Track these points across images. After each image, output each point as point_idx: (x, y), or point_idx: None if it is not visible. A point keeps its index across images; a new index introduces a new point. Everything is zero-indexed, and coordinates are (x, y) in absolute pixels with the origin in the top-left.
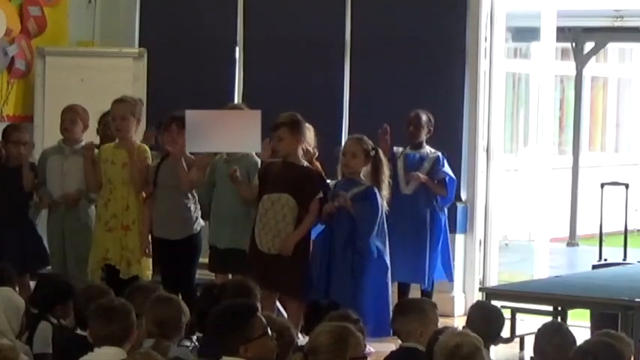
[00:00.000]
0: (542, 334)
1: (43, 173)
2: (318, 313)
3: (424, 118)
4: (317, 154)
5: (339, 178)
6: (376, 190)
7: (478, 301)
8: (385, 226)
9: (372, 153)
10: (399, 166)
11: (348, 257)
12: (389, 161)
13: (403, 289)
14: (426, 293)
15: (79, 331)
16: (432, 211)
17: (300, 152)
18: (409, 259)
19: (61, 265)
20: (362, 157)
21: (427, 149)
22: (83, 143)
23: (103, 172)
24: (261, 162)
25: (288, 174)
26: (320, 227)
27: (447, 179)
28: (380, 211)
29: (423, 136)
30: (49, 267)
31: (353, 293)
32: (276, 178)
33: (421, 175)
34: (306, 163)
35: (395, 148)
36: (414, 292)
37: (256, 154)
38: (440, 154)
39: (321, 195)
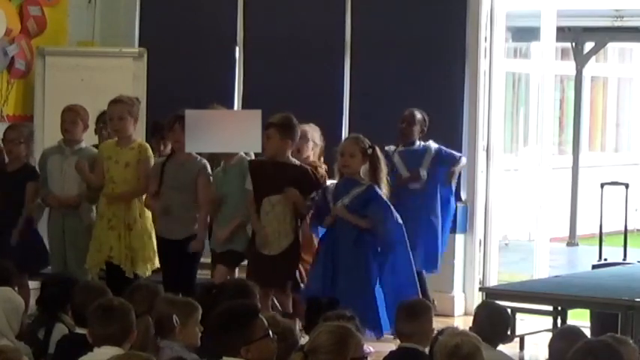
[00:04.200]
0: (557, 339)
1: (44, 173)
2: (318, 311)
3: (418, 116)
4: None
5: (337, 178)
6: (377, 187)
7: (484, 301)
8: (399, 219)
9: (370, 151)
10: (399, 163)
11: (360, 254)
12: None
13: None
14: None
15: (77, 330)
16: (436, 202)
17: (310, 152)
18: (423, 250)
19: (61, 265)
20: (360, 157)
21: (419, 144)
22: (84, 144)
23: (106, 170)
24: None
25: (283, 175)
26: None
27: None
28: (388, 204)
29: (416, 135)
30: (49, 267)
31: (360, 290)
32: (272, 180)
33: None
34: (297, 162)
35: (387, 147)
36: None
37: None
38: (436, 144)
39: (314, 194)
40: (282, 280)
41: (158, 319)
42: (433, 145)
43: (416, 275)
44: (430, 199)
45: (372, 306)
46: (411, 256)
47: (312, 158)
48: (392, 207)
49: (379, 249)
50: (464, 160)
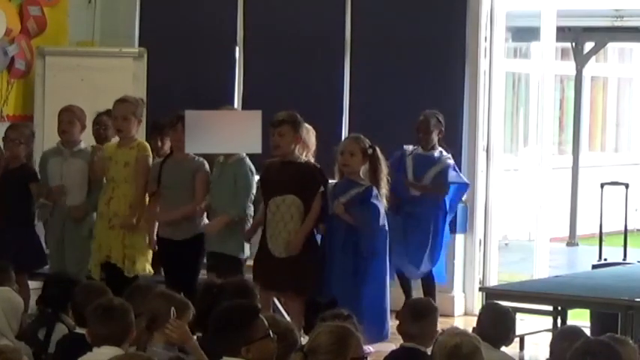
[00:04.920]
0: (559, 339)
1: (45, 175)
2: (317, 312)
3: (432, 121)
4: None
5: (337, 177)
6: (375, 191)
7: (488, 302)
8: (386, 226)
9: (370, 151)
10: (409, 166)
11: (347, 257)
12: (389, 161)
13: (406, 288)
14: (430, 289)
15: (77, 330)
16: (439, 209)
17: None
18: (426, 257)
19: (60, 264)
20: (360, 156)
21: (438, 151)
22: (82, 144)
23: (106, 170)
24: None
25: (288, 173)
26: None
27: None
28: (379, 211)
29: (435, 140)
30: (47, 267)
31: (353, 293)
32: (277, 180)
33: (419, 186)
34: (304, 159)
35: (405, 146)
36: (416, 291)
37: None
38: (451, 163)
39: (322, 189)
40: (297, 284)
41: (152, 314)
42: (449, 161)
43: (388, 287)
44: (430, 207)
45: (366, 308)
46: (388, 267)
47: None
48: (382, 212)
49: (362, 252)
50: (440, 192)
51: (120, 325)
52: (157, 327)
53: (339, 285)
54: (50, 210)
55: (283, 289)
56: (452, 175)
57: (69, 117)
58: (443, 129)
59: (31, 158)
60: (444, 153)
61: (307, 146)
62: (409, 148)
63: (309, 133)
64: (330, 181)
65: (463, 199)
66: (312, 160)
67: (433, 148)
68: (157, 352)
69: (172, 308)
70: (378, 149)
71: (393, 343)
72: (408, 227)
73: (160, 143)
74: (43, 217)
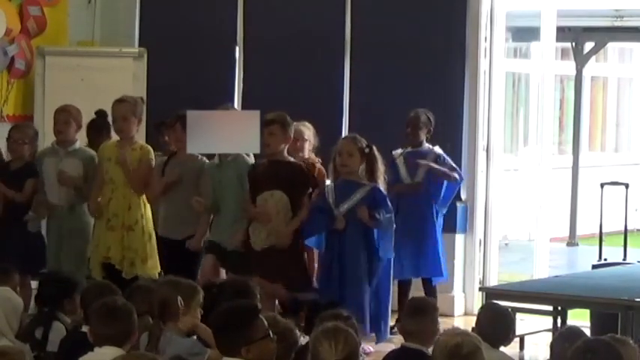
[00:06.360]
0: (560, 340)
1: (41, 175)
2: (317, 312)
3: (423, 118)
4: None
5: (332, 178)
6: (380, 188)
7: (488, 302)
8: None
9: (367, 151)
10: (401, 167)
11: (362, 260)
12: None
13: (404, 289)
14: (430, 290)
15: (84, 329)
16: (431, 208)
17: (307, 149)
18: (422, 255)
19: (57, 263)
20: (358, 156)
21: (427, 146)
22: (77, 144)
23: (105, 171)
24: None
25: (277, 171)
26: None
27: (455, 166)
28: (391, 207)
29: (423, 137)
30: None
31: (366, 295)
32: (265, 178)
33: (429, 164)
34: (291, 159)
35: (393, 151)
36: (416, 292)
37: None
38: (441, 151)
39: (310, 190)
40: (281, 277)
41: (161, 302)
42: (438, 150)
43: (392, 285)
44: (426, 204)
45: (376, 309)
46: (392, 266)
47: (307, 155)
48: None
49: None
50: (456, 177)
51: (123, 326)
52: (169, 316)
53: (352, 286)
54: (39, 222)
55: (265, 276)
56: (446, 161)
57: (65, 117)
58: (432, 128)
59: (35, 157)
60: (430, 147)
61: (310, 142)
62: (397, 152)
63: (310, 131)
64: (326, 181)
65: (463, 198)
66: (313, 155)
67: (421, 144)
68: (173, 339)
69: (179, 297)
70: (374, 148)
71: (393, 343)
72: (412, 229)
73: (167, 137)
74: (33, 228)
